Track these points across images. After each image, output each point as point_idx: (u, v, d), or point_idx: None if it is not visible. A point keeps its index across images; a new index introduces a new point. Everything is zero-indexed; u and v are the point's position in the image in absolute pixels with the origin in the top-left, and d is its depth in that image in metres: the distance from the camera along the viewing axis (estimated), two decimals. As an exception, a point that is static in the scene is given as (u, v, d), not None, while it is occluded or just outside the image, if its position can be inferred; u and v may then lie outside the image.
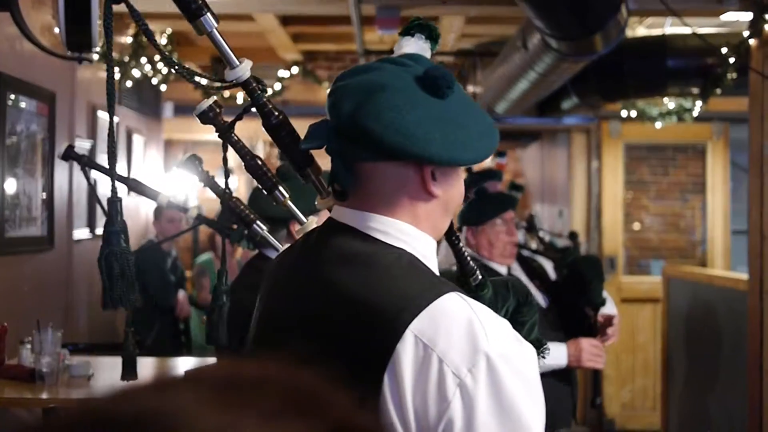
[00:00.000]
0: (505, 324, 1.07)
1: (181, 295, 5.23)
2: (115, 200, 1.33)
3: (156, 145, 6.48)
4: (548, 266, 3.11)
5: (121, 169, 5.14)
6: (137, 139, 5.84)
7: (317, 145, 1.17)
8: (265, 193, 1.51)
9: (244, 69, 1.33)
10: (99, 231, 5.06)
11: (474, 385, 1.00)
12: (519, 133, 7.40)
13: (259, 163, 1.48)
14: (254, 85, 1.34)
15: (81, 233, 4.84)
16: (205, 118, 1.41)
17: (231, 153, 1.49)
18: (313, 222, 1.46)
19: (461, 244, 1.43)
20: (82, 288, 4.88)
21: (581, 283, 2.89)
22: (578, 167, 6.60)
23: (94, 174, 4.34)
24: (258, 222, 1.78)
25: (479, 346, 1.01)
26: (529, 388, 1.04)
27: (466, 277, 1.43)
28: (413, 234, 1.15)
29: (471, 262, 1.43)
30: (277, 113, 1.33)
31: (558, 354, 2.80)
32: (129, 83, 5.32)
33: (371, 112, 1.09)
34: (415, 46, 1.23)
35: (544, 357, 1.37)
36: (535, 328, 1.42)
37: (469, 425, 0.99)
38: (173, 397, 0.43)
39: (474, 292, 1.41)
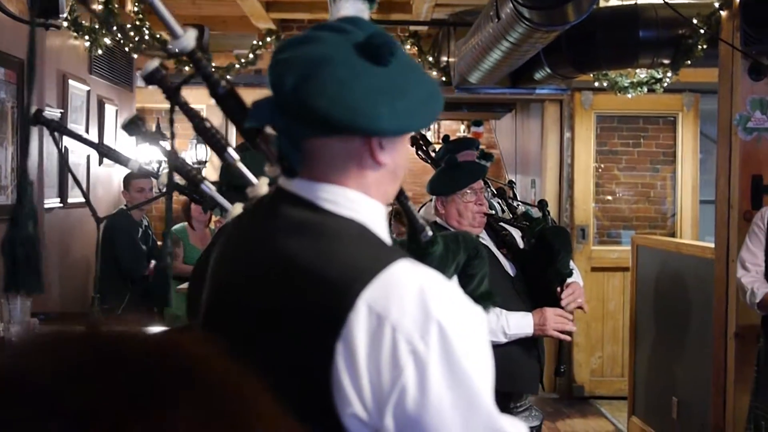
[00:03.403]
0: (456, 289, 1.09)
1: (153, 264, 5.22)
2: (26, 183, 1.31)
3: (128, 115, 6.42)
4: (517, 235, 3.14)
5: (92, 138, 5.09)
6: (109, 109, 5.78)
7: (261, 123, 1.16)
8: (216, 155, 1.52)
9: (188, 39, 1.34)
10: (71, 200, 5.03)
11: (426, 351, 1.01)
12: (493, 104, 7.42)
13: (208, 125, 1.48)
14: (199, 54, 1.34)
15: (52, 202, 4.80)
16: (152, 79, 1.40)
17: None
18: (264, 184, 1.46)
19: (410, 202, 1.45)
20: (52, 257, 4.85)
21: (549, 254, 2.92)
22: (551, 138, 6.64)
23: (66, 142, 4.31)
24: (206, 182, 1.78)
25: (431, 313, 1.02)
26: (479, 352, 1.06)
27: (417, 234, 1.45)
28: (363, 202, 1.15)
29: (420, 219, 1.45)
30: (224, 83, 1.34)
31: (524, 323, 2.84)
32: (100, 51, 5.25)
33: (315, 88, 1.07)
34: (353, 8, 1.22)
35: (491, 308, 1.40)
36: (485, 280, 1.45)
37: (423, 392, 1.01)
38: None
39: (425, 248, 1.42)
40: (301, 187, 1.15)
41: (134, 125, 1.79)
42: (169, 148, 1.40)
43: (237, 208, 1.50)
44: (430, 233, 1.45)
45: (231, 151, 1.51)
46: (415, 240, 1.43)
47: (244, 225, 1.26)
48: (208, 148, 6.58)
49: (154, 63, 1.40)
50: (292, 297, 1.08)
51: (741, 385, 3.85)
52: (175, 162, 1.72)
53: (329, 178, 1.14)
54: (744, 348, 3.87)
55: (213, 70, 1.34)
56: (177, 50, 1.33)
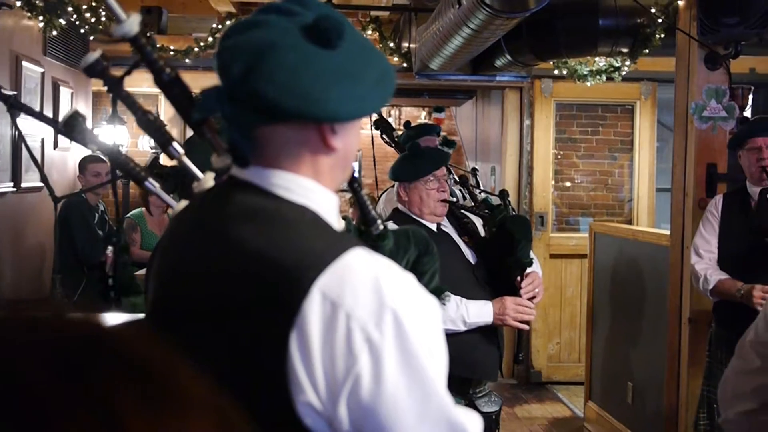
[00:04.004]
0: (410, 278, 1.08)
1: (110, 250, 5.15)
2: None
3: (84, 98, 6.31)
4: (479, 223, 3.15)
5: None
6: (64, 92, 5.67)
7: (210, 113, 1.14)
8: (160, 149, 1.49)
9: (132, 24, 1.31)
10: (24, 184, 4.93)
11: (381, 340, 1.00)
12: (453, 90, 7.43)
13: (151, 118, 1.45)
14: (143, 41, 1.31)
15: (4, 186, 4.71)
16: (93, 71, 1.37)
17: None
18: (210, 179, 1.44)
19: (363, 192, 1.44)
20: (5, 243, 4.76)
21: (510, 243, 2.94)
22: (511, 125, 6.67)
23: (20, 126, 4.22)
24: (150, 179, 1.73)
25: (385, 301, 1.01)
26: (433, 341, 1.05)
27: (368, 226, 1.44)
28: (315, 190, 1.14)
29: (373, 212, 1.44)
30: (168, 70, 1.31)
31: (484, 311, 2.86)
32: (54, 33, 5.15)
33: (263, 76, 1.05)
34: None
35: (444, 304, 1.39)
36: (436, 277, 1.44)
37: (377, 380, 1.00)
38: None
39: (375, 241, 1.41)
40: (254, 174, 1.13)
41: (73, 125, 1.64)
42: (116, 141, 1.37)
43: (209, 180, 1.47)
44: (381, 227, 1.43)
45: (176, 145, 1.47)
46: (366, 232, 1.42)
47: (192, 214, 1.23)
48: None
49: (94, 54, 1.36)
50: (244, 284, 1.06)
51: (694, 369, 3.92)
52: (118, 158, 1.66)
53: (282, 164, 1.12)
54: (697, 333, 3.94)
55: (157, 56, 1.31)
56: (120, 35, 1.30)
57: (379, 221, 1.43)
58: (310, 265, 1.03)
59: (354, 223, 1.49)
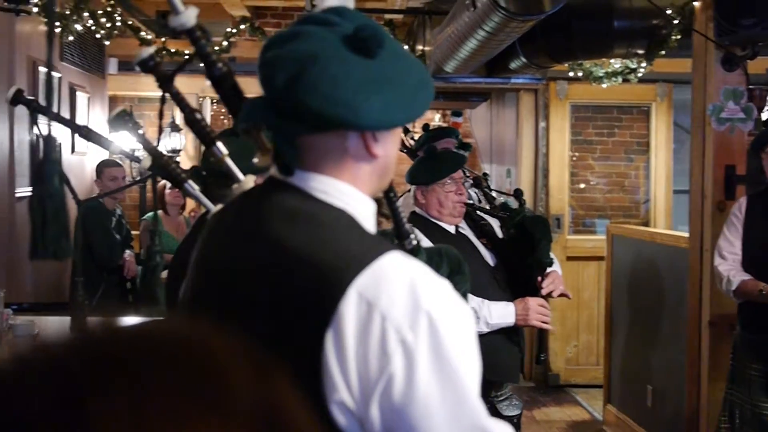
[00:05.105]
0: (446, 284, 1.08)
1: (128, 254, 5.17)
2: (51, 136, 1.29)
3: (100, 103, 6.34)
4: (495, 225, 3.14)
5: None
6: (81, 96, 5.71)
7: (254, 122, 1.15)
8: (203, 147, 1.49)
9: (189, 16, 1.30)
10: (42, 190, 4.96)
11: (415, 342, 1.01)
12: (468, 93, 7.41)
13: (198, 116, 1.46)
14: (199, 33, 1.31)
15: (24, 191, 4.74)
16: (146, 66, 1.37)
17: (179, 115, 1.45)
18: (251, 181, 1.44)
19: (399, 204, 1.43)
20: (25, 247, 4.78)
21: (529, 243, 2.92)
22: (526, 127, 6.65)
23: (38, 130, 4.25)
24: (189, 182, 1.73)
25: (420, 304, 1.02)
26: (467, 347, 1.05)
27: (401, 240, 1.44)
28: (354, 195, 1.15)
29: (407, 225, 1.43)
30: (221, 65, 1.31)
31: (506, 312, 2.84)
32: (71, 38, 5.18)
33: (307, 86, 1.07)
34: None
35: (473, 297, 1.38)
36: (467, 297, 1.43)
37: (410, 381, 1.00)
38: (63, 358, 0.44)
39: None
40: (295, 177, 1.15)
41: (120, 120, 1.71)
42: (149, 139, 1.37)
43: (249, 181, 1.46)
44: (415, 242, 1.43)
45: (219, 145, 1.48)
46: (399, 246, 1.42)
47: (232, 214, 1.24)
48: (182, 137, 6.52)
49: (148, 50, 1.37)
50: (282, 283, 1.08)
51: (715, 373, 3.89)
52: (159, 159, 1.68)
53: (323, 170, 1.14)
54: (718, 336, 3.91)
55: (210, 50, 1.31)
56: (176, 27, 1.29)
57: (412, 236, 1.43)
58: (348, 265, 1.04)
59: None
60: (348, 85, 1.07)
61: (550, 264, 2.93)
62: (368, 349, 1.01)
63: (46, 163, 1.28)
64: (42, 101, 4.83)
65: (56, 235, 1.28)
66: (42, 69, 4.96)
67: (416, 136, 3.78)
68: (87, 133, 2.08)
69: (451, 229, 3.00)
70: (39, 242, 1.27)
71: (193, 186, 1.71)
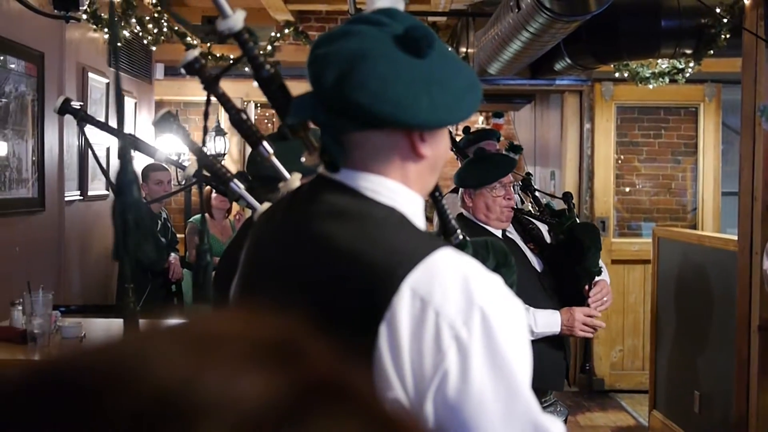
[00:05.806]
0: (498, 279, 1.09)
1: (173, 257, 5.23)
2: (126, 150, 1.32)
3: (147, 107, 6.44)
4: (543, 230, 3.09)
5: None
6: (128, 101, 5.80)
7: (303, 119, 1.17)
8: (250, 148, 1.50)
9: (237, 19, 1.32)
10: (90, 193, 5.05)
11: (469, 337, 1.01)
12: (512, 95, 7.37)
13: (244, 117, 1.47)
14: (246, 36, 1.32)
15: (72, 195, 4.83)
16: (191, 69, 1.39)
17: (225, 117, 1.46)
18: (297, 179, 1.45)
19: (444, 202, 1.43)
20: (73, 250, 4.87)
21: (578, 250, 2.87)
22: (570, 129, 6.59)
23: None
24: (235, 180, 1.75)
25: (474, 299, 1.02)
26: (520, 342, 1.06)
27: (447, 236, 1.44)
28: (403, 193, 1.16)
29: (453, 221, 1.43)
30: (269, 66, 1.32)
31: (551, 321, 2.80)
32: (119, 44, 5.26)
33: (356, 84, 1.07)
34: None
35: None
36: (513, 289, 1.43)
37: (464, 376, 1.01)
38: (139, 349, 0.42)
39: None
40: (343, 175, 1.16)
41: (165, 121, 1.73)
42: (198, 143, 1.38)
43: (296, 180, 1.47)
44: (461, 237, 1.43)
45: (266, 144, 1.49)
46: (445, 242, 1.42)
47: (280, 213, 1.25)
48: (227, 140, 6.58)
49: (193, 53, 1.38)
50: (335, 280, 1.08)
51: (764, 378, 3.81)
52: (205, 160, 1.70)
53: (371, 168, 1.15)
54: (767, 341, 3.83)
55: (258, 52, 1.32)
56: (224, 30, 1.31)
57: (459, 231, 1.43)
58: (401, 262, 1.05)
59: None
60: (397, 83, 1.08)
61: (599, 273, 2.87)
62: (422, 346, 1.01)
63: (124, 176, 1.30)
64: (91, 107, 4.91)
65: (138, 241, 1.30)
66: (91, 75, 5.05)
67: (457, 139, 3.77)
68: (133, 142, 2.12)
69: (498, 233, 2.95)
70: (122, 248, 1.30)
71: (238, 185, 1.72)
